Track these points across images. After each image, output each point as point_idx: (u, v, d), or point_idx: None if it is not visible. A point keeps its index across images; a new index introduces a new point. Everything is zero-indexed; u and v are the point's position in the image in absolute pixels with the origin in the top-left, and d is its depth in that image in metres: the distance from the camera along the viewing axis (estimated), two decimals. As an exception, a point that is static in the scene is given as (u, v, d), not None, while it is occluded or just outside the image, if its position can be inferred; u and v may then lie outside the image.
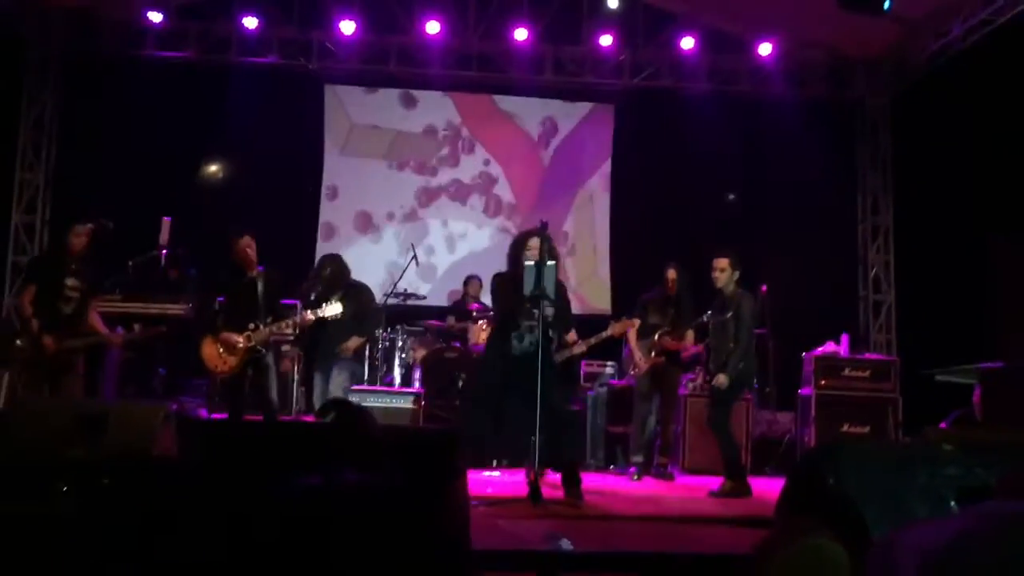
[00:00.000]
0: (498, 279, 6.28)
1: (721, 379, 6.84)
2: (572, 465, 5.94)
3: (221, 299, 7.09)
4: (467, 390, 8.20)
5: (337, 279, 7.38)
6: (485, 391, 6.22)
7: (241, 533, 1.33)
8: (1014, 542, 1.16)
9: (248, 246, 6.89)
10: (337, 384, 7.25)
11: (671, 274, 7.75)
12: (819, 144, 10.94)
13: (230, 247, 6.92)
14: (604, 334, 7.16)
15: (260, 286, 6.89)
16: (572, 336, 6.76)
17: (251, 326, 6.73)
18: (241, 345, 6.67)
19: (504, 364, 5.96)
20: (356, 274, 9.69)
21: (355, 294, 7.41)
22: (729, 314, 6.90)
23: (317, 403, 7.22)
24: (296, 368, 8.88)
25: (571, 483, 5.83)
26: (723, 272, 6.99)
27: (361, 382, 8.39)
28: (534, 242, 6.01)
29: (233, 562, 1.32)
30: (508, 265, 6.21)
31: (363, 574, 1.28)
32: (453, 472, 2.95)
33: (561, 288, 6.23)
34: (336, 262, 7.61)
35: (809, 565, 1.54)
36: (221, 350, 6.72)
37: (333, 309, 6.92)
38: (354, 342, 7.26)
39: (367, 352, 8.89)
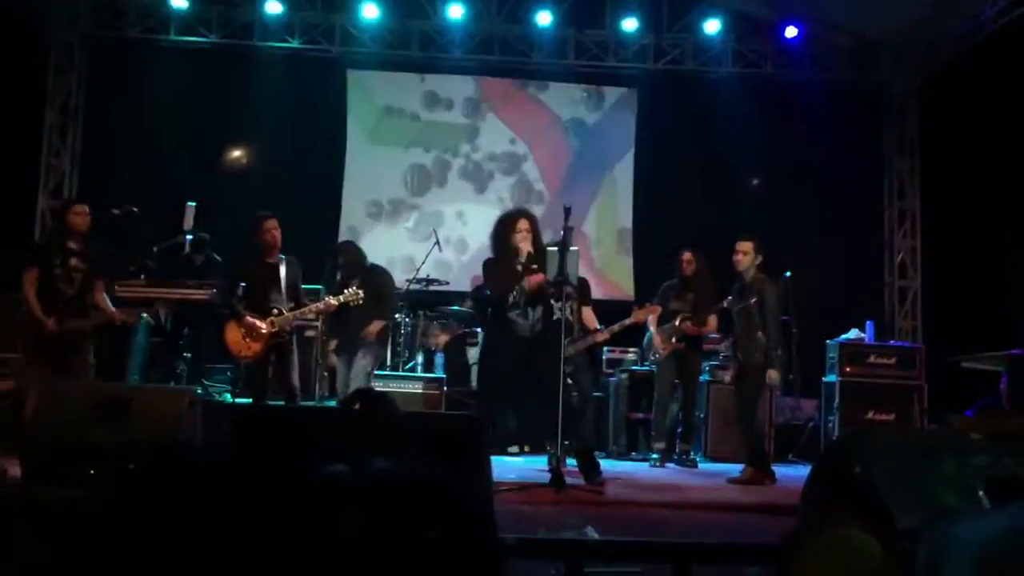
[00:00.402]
0: (489, 263, 6.20)
1: (773, 375, 6.81)
2: (588, 451, 5.91)
3: (244, 284, 7.08)
4: (480, 376, 8.20)
5: (353, 265, 7.37)
6: (496, 376, 6.19)
7: (265, 521, 1.33)
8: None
9: (274, 228, 6.90)
10: (360, 368, 7.24)
11: (686, 256, 7.73)
12: (845, 128, 10.83)
13: (254, 229, 6.90)
14: (627, 321, 7.15)
15: (283, 271, 6.91)
16: (594, 323, 6.75)
17: (274, 311, 6.75)
18: (265, 330, 6.70)
19: (514, 346, 5.91)
20: (378, 260, 9.74)
21: (373, 278, 7.40)
22: (752, 300, 6.84)
23: (341, 389, 7.22)
24: (319, 353, 8.90)
25: (589, 469, 5.82)
26: (745, 255, 6.93)
27: (384, 367, 8.42)
28: (523, 223, 5.97)
29: (255, 550, 1.32)
30: (494, 247, 6.14)
31: (390, 562, 1.27)
32: (478, 458, 2.96)
33: (585, 284, 6.25)
34: (350, 248, 7.61)
35: (839, 556, 1.53)
36: (245, 335, 6.73)
37: (354, 294, 6.93)
38: (376, 326, 7.24)
39: (390, 338, 8.92)
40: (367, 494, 1.26)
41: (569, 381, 6.07)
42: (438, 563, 1.24)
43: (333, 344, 7.10)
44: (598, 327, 6.83)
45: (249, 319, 6.72)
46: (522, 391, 6.58)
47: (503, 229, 6.06)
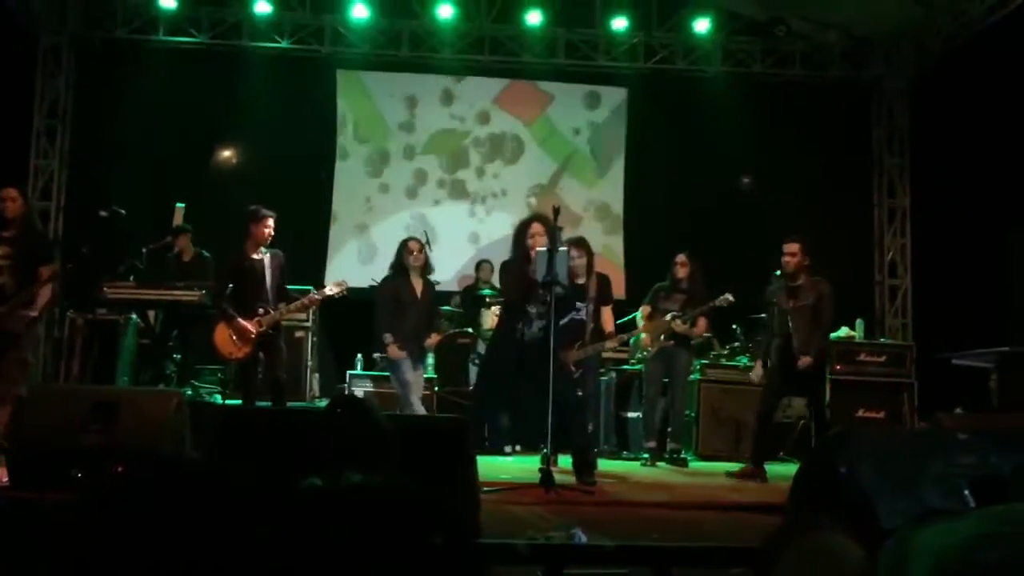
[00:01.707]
0: (504, 265, 6.29)
1: (804, 360, 6.83)
2: (582, 451, 5.92)
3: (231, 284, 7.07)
4: (479, 376, 8.20)
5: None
6: (496, 377, 6.22)
7: (240, 530, 1.32)
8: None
9: (271, 226, 6.89)
10: (421, 384, 7.28)
11: (680, 259, 7.75)
12: (835, 126, 10.86)
13: (254, 221, 6.85)
14: (639, 333, 7.42)
15: (267, 267, 6.86)
16: (611, 325, 6.80)
17: (260, 310, 6.75)
18: (253, 332, 6.69)
19: (517, 350, 5.95)
20: (372, 260, 9.75)
21: (432, 287, 7.41)
22: (810, 300, 6.85)
23: (411, 385, 7.11)
24: (310, 354, 8.89)
25: (582, 469, 5.83)
26: (793, 257, 6.94)
27: (374, 367, 8.44)
28: (536, 227, 6.00)
29: (235, 559, 1.31)
30: (512, 251, 6.19)
31: (367, 568, 1.27)
32: (462, 459, 2.96)
33: (606, 281, 6.28)
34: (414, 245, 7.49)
35: (818, 560, 1.52)
36: (234, 337, 6.72)
37: (338, 285, 7.05)
38: (436, 339, 7.34)
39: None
40: (341, 508, 1.26)
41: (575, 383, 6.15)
42: (416, 566, 1.23)
43: (390, 337, 7.01)
44: (613, 330, 6.88)
45: (239, 322, 6.69)
46: (518, 391, 6.58)
47: (519, 233, 6.13)
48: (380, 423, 2.19)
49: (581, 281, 6.60)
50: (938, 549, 1.14)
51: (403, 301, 7.12)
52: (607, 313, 6.78)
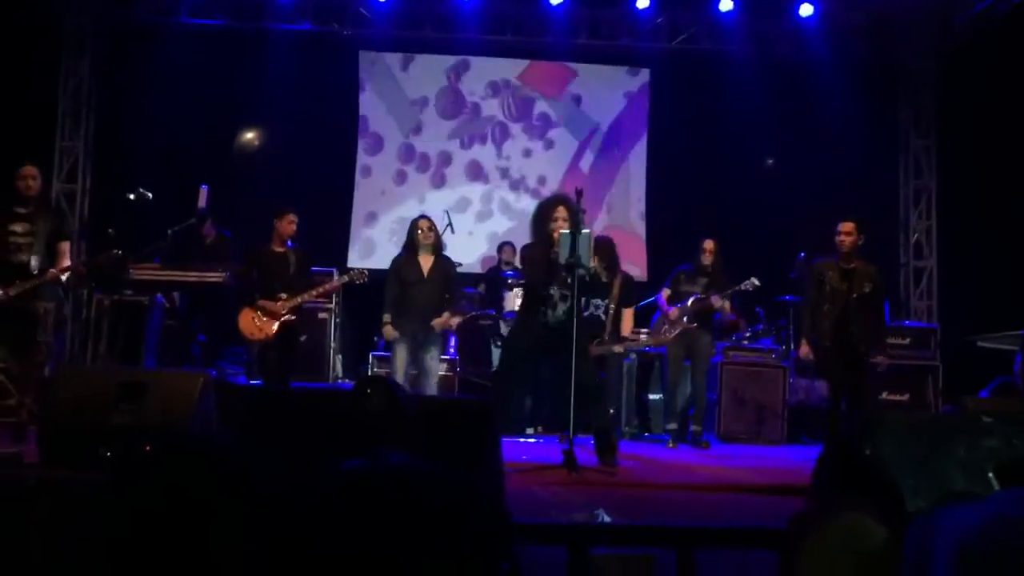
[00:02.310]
0: (526, 248, 6.27)
1: (883, 360, 6.79)
2: (604, 433, 5.93)
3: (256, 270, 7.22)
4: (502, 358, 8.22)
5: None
6: (519, 359, 6.22)
7: (274, 513, 1.35)
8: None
9: (293, 221, 7.06)
10: (435, 361, 7.24)
11: (708, 245, 7.71)
12: (861, 107, 10.75)
13: (278, 217, 7.08)
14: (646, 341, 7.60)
15: (291, 260, 7.05)
16: (629, 328, 6.78)
17: (282, 295, 6.87)
18: (275, 313, 6.83)
19: (539, 332, 5.95)
20: (394, 241, 9.76)
21: (446, 265, 7.39)
22: (869, 288, 6.74)
23: (400, 371, 7.16)
24: (333, 335, 8.94)
25: (604, 451, 5.83)
26: (849, 236, 6.79)
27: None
28: (560, 211, 5.95)
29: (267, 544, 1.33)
30: (532, 233, 6.16)
31: (397, 550, 1.29)
32: (488, 441, 2.98)
33: (630, 284, 6.24)
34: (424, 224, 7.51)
35: (845, 541, 1.53)
36: (256, 320, 6.86)
37: (359, 273, 7.19)
38: (446, 319, 7.23)
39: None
40: (382, 489, 1.28)
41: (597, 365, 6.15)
42: (446, 547, 1.25)
43: (388, 317, 7.09)
44: (627, 336, 6.89)
45: (263, 302, 6.87)
46: (540, 374, 6.58)
47: (541, 216, 6.05)
48: (406, 404, 2.21)
49: (604, 280, 6.61)
50: (962, 530, 1.15)
51: (407, 280, 7.15)
52: (627, 315, 6.79)
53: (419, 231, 7.22)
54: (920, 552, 1.28)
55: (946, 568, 1.18)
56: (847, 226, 6.82)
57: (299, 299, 6.93)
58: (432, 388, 7.16)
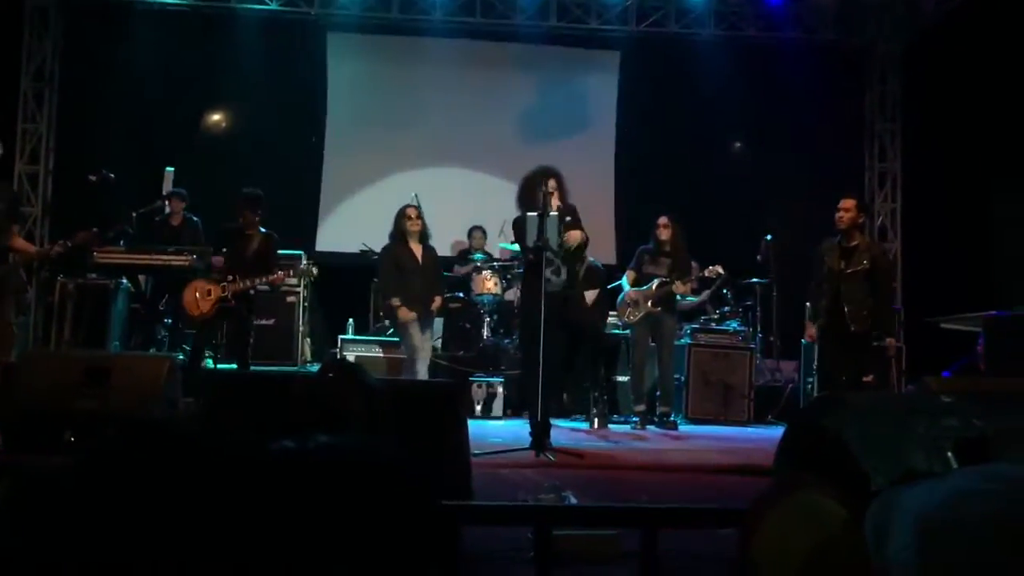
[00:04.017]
0: (516, 222, 6.18)
1: (891, 343, 6.77)
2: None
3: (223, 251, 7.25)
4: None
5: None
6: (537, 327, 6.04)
7: (221, 494, 1.35)
8: (1012, 500, 1.16)
9: (255, 209, 7.11)
10: (430, 341, 7.40)
11: (662, 221, 7.80)
12: (827, 90, 10.83)
13: (240, 206, 7.12)
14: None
15: (255, 245, 7.10)
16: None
17: (230, 279, 6.92)
18: (213, 294, 6.89)
19: (547, 302, 5.74)
20: (362, 227, 9.73)
21: (432, 251, 7.52)
22: (865, 265, 6.71)
23: (420, 348, 7.20)
24: (302, 319, 8.91)
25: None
26: (847, 212, 6.76)
27: (367, 332, 8.47)
28: (551, 184, 5.88)
29: (217, 524, 1.33)
30: (520, 206, 6.08)
31: (330, 538, 1.29)
32: (454, 423, 2.99)
33: (572, 211, 6.12)
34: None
35: (802, 520, 1.55)
36: (198, 295, 6.93)
37: (308, 270, 7.50)
38: (441, 303, 7.42)
39: (371, 303, 9.00)
40: (311, 470, 1.28)
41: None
42: (379, 538, 1.26)
43: (397, 300, 7.13)
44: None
45: (203, 282, 6.96)
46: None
47: (530, 187, 5.97)
48: (372, 387, 2.21)
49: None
50: (920, 506, 1.17)
51: (405, 267, 7.22)
52: (590, 297, 6.78)
53: (407, 219, 7.28)
54: (879, 529, 1.30)
55: (904, 543, 1.20)
56: (846, 203, 6.81)
57: (244, 284, 6.94)
58: (424, 372, 7.23)
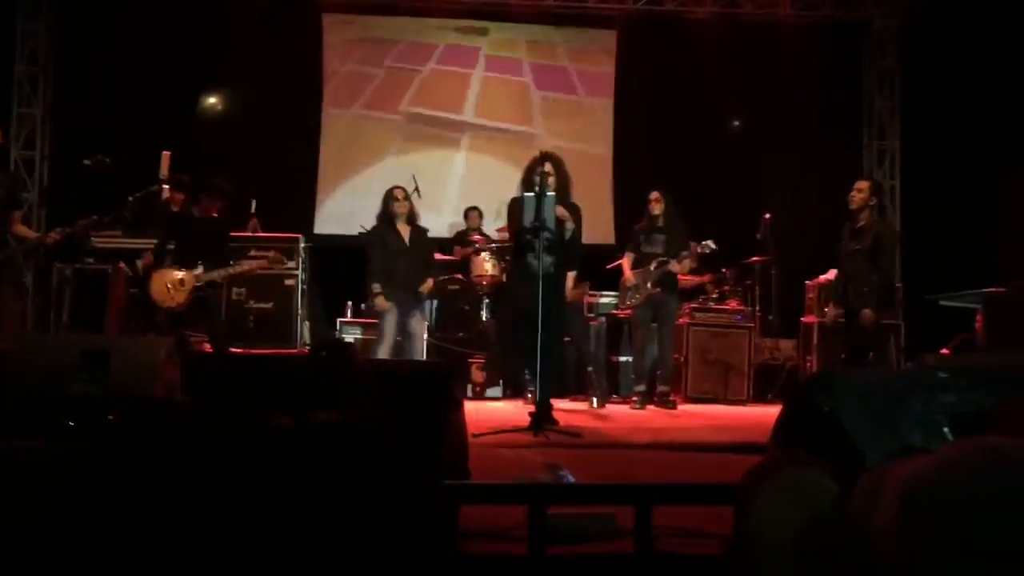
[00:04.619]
0: (512, 202, 6.22)
1: (868, 315, 6.83)
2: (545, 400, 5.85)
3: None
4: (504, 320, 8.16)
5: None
6: (517, 315, 6.12)
7: (221, 471, 1.34)
8: (1000, 471, 1.15)
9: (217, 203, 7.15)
10: (423, 326, 7.39)
11: (654, 196, 7.82)
12: (825, 67, 10.78)
13: (203, 193, 7.17)
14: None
15: (213, 228, 7.11)
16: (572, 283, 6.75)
17: (199, 267, 6.91)
18: (187, 283, 6.86)
19: (531, 285, 5.80)
20: (361, 208, 9.69)
21: (421, 232, 7.50)
22: (867, 243, 6.84)
23: (389, 337, 7.18)
24: (300, 302, 8.89)
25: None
26: (860, 193, 6.93)
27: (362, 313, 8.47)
28: (548, 167, 5.94)
29: (217, 501, 1.33)
30: (522, 190, 6.11)
31: (326, 512, 1.29)
32: (449, 404, 2.98)
33: (576, 211, 6.15)
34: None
35: (795, 497, 1.55)
36: (169, 286, 6.88)
37: (276, 258, 7.44)
38: (431, 284, 7.37)
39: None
40: (310, 446, 1.28)
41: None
42: (377, 513, 1.26)
43: (377, 287, 7.12)
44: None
45: (173, 271, 6.88)
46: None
47: (529, 172, 6.07)
48: (361, 367, 2.21)
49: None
50: (906, 476, 1.16)
51: (392, 250, 7.17)
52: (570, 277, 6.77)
53: (395, 201, 7.24)
54: (867, 504, 1.29)
55: (887, 510, 1.19)
56: (859, 184, 7.01)
57: (215, 274, 6.94)
58: (420, 352, 7.24)
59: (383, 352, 7.11)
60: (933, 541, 1.05)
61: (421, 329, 7.35)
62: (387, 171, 10.79)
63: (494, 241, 9.06)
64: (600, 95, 11.28)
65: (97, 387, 4.51)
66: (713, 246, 7.70)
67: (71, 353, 4.68)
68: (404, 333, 7.21)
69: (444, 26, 11.14)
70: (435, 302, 8.84)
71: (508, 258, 8.66)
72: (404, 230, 7.27)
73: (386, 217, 7.28)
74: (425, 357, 7.32)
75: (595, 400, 7.53)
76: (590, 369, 7.88)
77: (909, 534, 1.08)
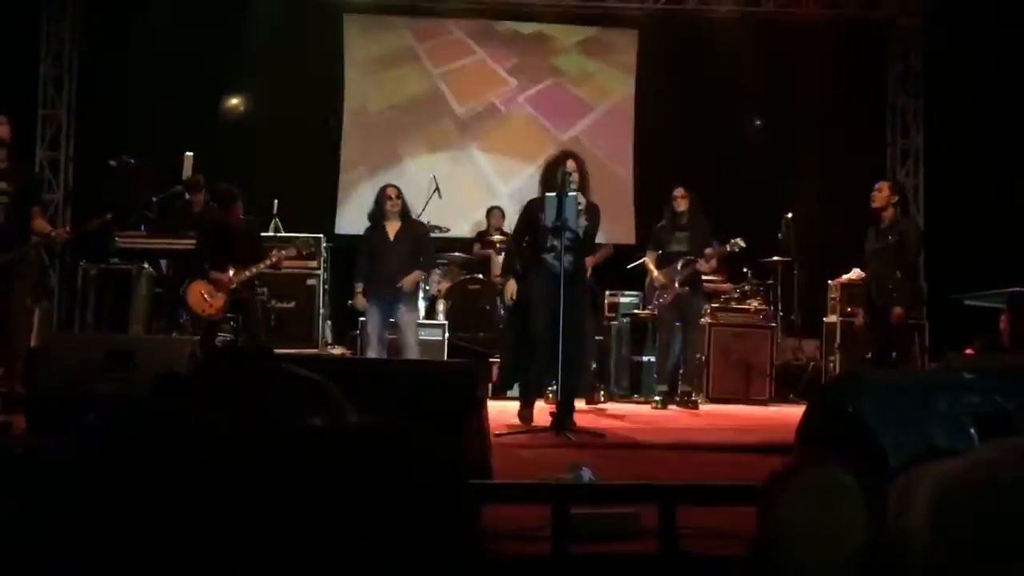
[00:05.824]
0: (531, 202, 6.20)
1: (898, 312, 6.82)
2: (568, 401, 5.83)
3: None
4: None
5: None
6: (528, 317, 6.07)
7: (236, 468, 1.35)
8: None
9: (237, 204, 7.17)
10: (413, 324, 7.35)
11: (679, 192, 7.80)
12: (848, 66, 10.70)
13: (232, 199, 7.16)
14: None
15: (241, 231, 7.13)
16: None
17: (231, 271, 6.94)
18: (224, 286, 6.91)
19: (548, 283, 5.77)
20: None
21: (416, 228, 7.52)
22: (891, 240, 6.87)
23: (372, 335, 7.22)
24: (321, 300, 8.93)
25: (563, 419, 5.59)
26: (880, 192, 6.99)
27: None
28: (571, 164, 5.91)
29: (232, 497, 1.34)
30: (541, 190, 6.08)
31: (351, 516, 1.30)
32: (472, 403, 2.99)
33: (594, 210, 6.12)
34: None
35: (821, 497, 1.55)
36: (205, 294, 6.92)
37: (306, 243, 7.53)
38: (414, 276, 7.30)
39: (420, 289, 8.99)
40: (337, 447, 1.29)
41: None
42: (402, 515, 1.26)
43: (360, 287, 7.17)
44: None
45: (214, 274, 6.92)
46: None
47: (550, 170, 6.01)
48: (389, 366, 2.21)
49: None
50: (940, 476, 1.16)
51: (377, 248, 7.23)
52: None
53: (388, 200, 7.28)
54: (902, 500, 1.30)
55: (921, 509, 1.19)
56: (879, 184, 7.07)
57: (247, 273, 6.97)
58: (412, 347, 7.22)
59: (371, 351, 7.17)
60: (966, 542, 1.05)
61: (410, 320, 7.30)
62: (409, 171, 10.82)
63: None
64: (621, 94, 11.25)
65: (123, 386, 4.57)
66: (743, 244, 7.68)
67: (97, 353, 4.74)
68: (396, 327, 7.24)
69: (466, 26, 11.16)
70: (447, 300, 8.86)
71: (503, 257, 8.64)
72: (392, 227, 7.28)
73: (376, 215, 7.33)
74: (419, 349, 7.32)
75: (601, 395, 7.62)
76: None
77: (942, 535, 1.08)
